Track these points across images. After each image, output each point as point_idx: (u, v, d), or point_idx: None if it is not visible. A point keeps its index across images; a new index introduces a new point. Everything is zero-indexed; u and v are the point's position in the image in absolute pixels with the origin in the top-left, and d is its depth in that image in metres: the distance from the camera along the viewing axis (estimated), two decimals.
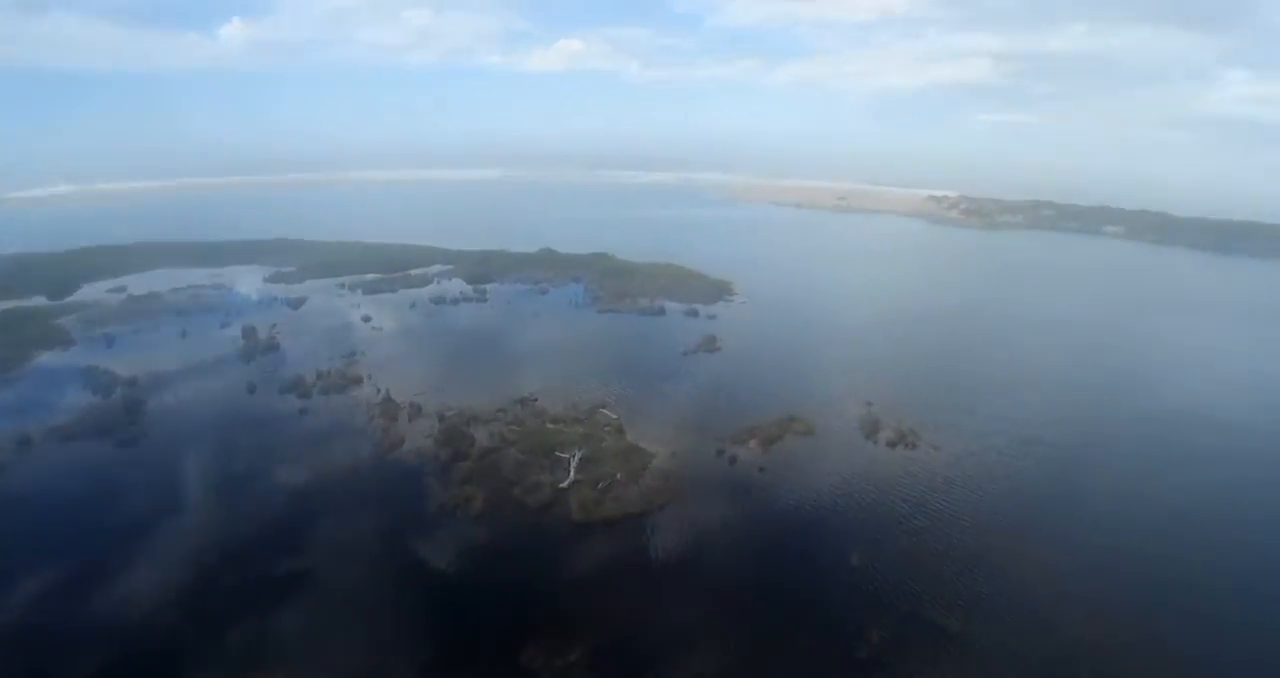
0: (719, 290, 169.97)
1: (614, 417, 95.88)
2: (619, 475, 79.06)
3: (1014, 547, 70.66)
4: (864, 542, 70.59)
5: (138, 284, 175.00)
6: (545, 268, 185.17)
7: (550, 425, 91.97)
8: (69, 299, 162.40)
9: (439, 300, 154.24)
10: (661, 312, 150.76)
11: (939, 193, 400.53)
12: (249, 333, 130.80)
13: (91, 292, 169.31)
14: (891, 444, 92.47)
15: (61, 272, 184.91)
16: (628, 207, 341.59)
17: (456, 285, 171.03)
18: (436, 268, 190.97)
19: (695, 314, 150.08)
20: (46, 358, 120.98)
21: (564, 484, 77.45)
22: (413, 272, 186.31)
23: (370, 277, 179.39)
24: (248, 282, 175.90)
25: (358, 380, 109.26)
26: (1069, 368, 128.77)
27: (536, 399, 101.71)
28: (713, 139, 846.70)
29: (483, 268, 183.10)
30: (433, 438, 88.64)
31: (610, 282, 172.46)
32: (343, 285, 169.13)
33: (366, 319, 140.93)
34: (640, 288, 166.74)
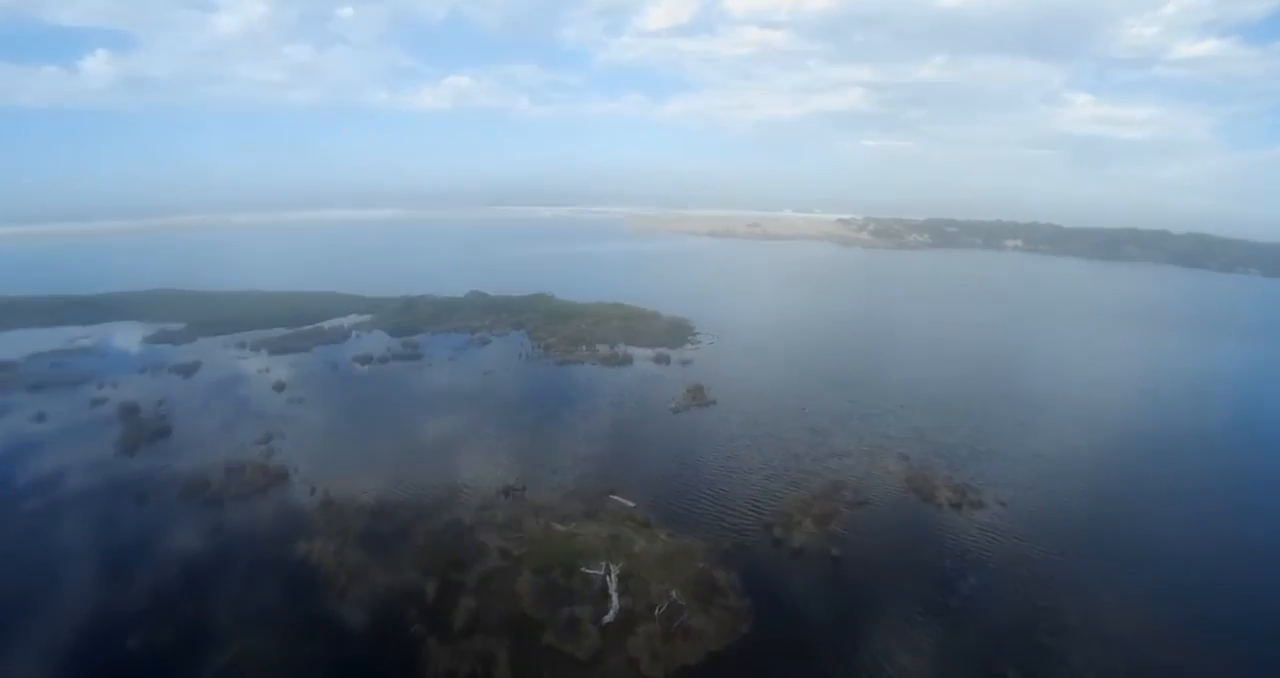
0: (679, 330, 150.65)
1: (630, 504, 74.31)
2: (674, 593, 57.04)
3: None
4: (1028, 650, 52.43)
5: None
6: (478, 314, 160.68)
7: (558, 527, 68.82)
8: None
9: (365, 359, 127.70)
10: (628, 360, 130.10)
11: (845, 216, 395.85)
12: (129, 412, 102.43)
13: None
14: (955, 506, 77.15)
15: None
16: (543, 243, 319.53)
17: (380, 339, 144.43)
18: (352, 319, 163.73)
19: (666, 360, 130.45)
20: None
21: (609, 618, 55.44)
22: (325, 324, 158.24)
23: (276, 332, 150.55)
24: (124, 343, 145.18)
25: (281, 476, 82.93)
26: (1076, 392, 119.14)
27: (524, 488, 78.32)
28: (608, 173, 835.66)
29: (407, 317, 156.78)
30: (408, 562, 63.80)
31: (557, 326, 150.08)
32: (243, 344, 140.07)
33: (280, 387, 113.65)
34: (593, 332, 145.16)
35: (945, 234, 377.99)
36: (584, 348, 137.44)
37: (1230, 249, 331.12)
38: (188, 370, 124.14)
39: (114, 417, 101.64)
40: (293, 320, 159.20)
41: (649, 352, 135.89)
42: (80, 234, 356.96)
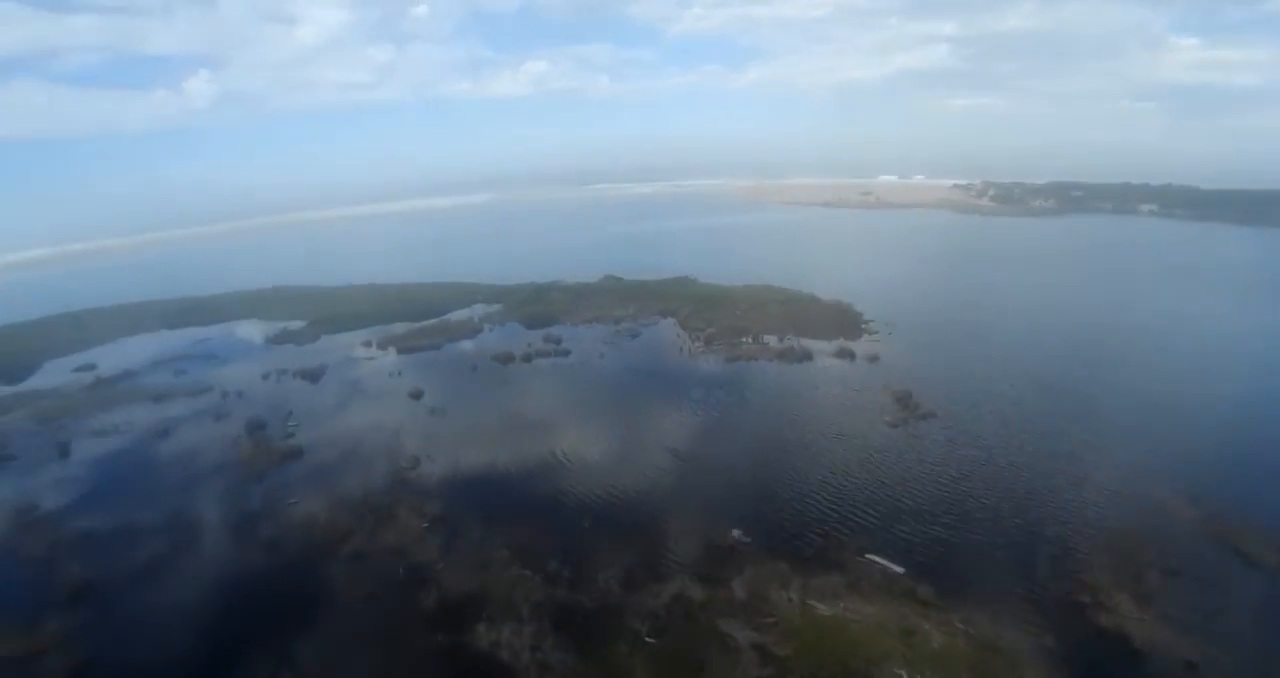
0: (845, 317, 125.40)
1: (898, 570, 53.43)
2: None
3: None
4: None
5: (110, 358, 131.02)
6: (617, 301, 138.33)
7: (820, 608, 46.53)
8: (26, 384, 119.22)
9: (505, 358, 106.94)
10: (807, 355, 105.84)
11: (960, 181, 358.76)
12: (255, 429, 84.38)
13: (54, 372, 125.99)
14: None
15: (23, 347, 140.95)
16: (650, 219, 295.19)
17: (515, 332, 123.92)
18: (479, 309, 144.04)
19: (849, 355, 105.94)
20: None
21: None
22: (451, 317, 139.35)
23: (399, 328, 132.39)
24: (245, 345, 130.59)
25: (439, 519, 62.47)
26: None
27: (749, 542, 56.89)
28: (692, 145, 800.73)
29: (539, 306, 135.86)
30: (636, 667, 43.76)
31: (708, 314, 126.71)
32: (368, 343, 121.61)
33: (416, 395, 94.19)
34: (751, 320, 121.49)
35: (1070, 198, 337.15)
36: (748, 340, 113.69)
37: None
38: (313, 375, 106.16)
39: (240, 434, 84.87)
40: (415, 314, 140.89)
41: (824, 345, 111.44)
42: (193, 238, 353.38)
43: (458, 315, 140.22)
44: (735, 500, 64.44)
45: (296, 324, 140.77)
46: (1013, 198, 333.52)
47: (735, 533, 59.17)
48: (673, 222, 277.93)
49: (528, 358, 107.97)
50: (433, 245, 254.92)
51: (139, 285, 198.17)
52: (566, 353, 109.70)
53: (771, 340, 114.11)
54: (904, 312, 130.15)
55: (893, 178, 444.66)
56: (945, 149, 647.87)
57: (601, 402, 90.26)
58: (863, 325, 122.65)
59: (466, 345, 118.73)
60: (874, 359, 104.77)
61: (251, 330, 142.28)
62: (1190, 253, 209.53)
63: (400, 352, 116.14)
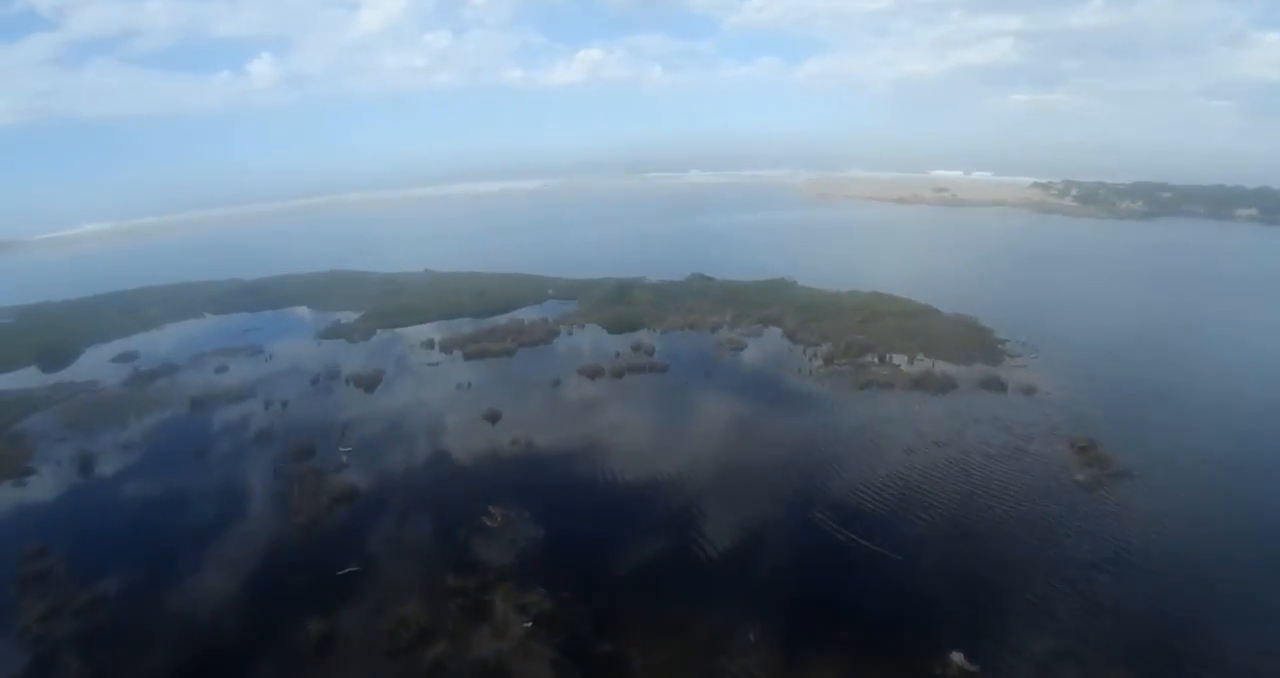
0: (976, 335, 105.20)
1: None
2: None
3: None
4: None
5: (153, 345, 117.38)
6: (709, 305, 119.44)
7: None
8: (62, 373, 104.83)
9: (593, 372, 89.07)
10: (950, 384, 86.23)
11: (1041, 180, 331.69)
12: (301, 457, 66.76)
13: (93, 360, 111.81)
14: None
15: (65, 331, 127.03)
16: (716, 211, 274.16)
17: (597, 338, 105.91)
18: (552, 307, 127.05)
19: (999, 386, 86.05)
20: None
21: None
22: (520, 315, 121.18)
23: (463, 324, 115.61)
24: (293, 340, 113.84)
25: (543, 614, 44.60)
26: None
27: (977, 671, 37.56)
28: (748, 137, 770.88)
29: (621, 308, 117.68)
30: None
31: (817, 325, 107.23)
32: (430, 343, 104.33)
33: (494, 418, 76.10)
34: (868, 335, 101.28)
35: (1159, 201, 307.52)
36: (874, 359, 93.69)
37: None
38: (368, 382, 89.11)
39: (283, 462, 66.55)
40: (481, 308, 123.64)
41: (964, 370, 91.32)
42: (248, 218, 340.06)
43: (528, 313, 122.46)
44: (943, 605, 45.36)
45: (350, 315, 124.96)
46: (1097, 199, 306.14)
47: (956, 657, 40.67)
48: (741, 215, 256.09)
49: (619, 373, 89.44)
50: (489, 232, 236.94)
51: (191, 266, 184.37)
52: (663, 368, 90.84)
53: (901, 362, 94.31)
54: (1038, 330, 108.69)
55: (957, 173, 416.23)
56: (1004, 143, 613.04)
57: (724, 441, 71.33)
58: (1000, 347, 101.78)
59: (544, 352, 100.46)
60: (1029, 391, 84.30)
61: (302, 320, 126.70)
62: None
63: (468, 357, 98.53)
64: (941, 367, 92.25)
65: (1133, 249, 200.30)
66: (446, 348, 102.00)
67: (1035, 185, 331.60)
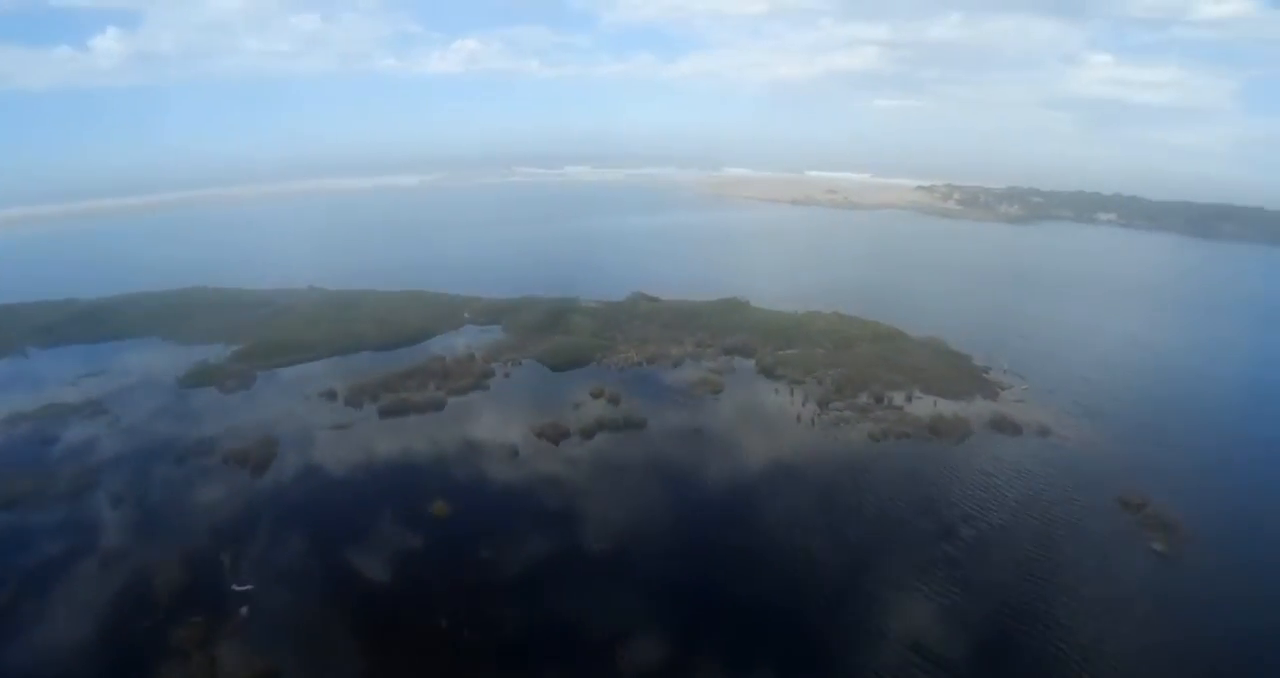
0: (959, 364, 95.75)
1: None
2: None
3: None
4: None
5: None
6: (661, 330, 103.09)
7: None
8: None
9: (551, 432, 69.38)
10: (965, 430, 74.84)
11: (924, 183, 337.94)
12: (177, 608, 46.95)
13: None
14: None
15: None
16: (614, 213, 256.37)
17: (540, 380, 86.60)
18: (472, 335, 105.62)
19: (1011, 428, 75.79)
20: None
21: None
22: (436, 345, 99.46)
23: (367, 361, 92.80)
24: (149, 389, 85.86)
25: None
26: None
27: None
28: (629, 133, 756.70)
29: (559, 336, 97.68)
30: None
31: (789, 355, 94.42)
32: (330, 393, 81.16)
33: (443, 523, 55.40)
34: (848, 366, 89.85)
35: (1031, 205, 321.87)
36: (869, 399, 79.94)
37: None
38: (259, 463, 65.14)
39: (148, 619, 43.35)
40: (385, 339, 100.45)
41: (964, 407, 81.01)
42: (84, 214, 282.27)
43: (445, 344, 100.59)
44: None
45: (220, 350, 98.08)
46: (979, 203, 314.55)
47: None
48: (647, 217, 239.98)
49: (587, 433, 70.40)
50: (374, 236, 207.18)
51: (8, 281, 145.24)
52: (640, 424, 72.54)
53: (898, 399, 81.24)
54: (1005, 351, 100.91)
55: (837, 174, 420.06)
56: (874, 147, 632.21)
57: (753, 541, 54.26)
58: (985, 376, 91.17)
59: (481, 403, 79.32)
60: (1044, 434, 74.40)
61: (157, 358, 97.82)
62: (1217, 272, 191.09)
63: (385, 413, 75.97)
64: (944, 406, 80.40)
65: (1046, 255, 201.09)
66: (354, 399, 78.70)
67: (919, 188, 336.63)
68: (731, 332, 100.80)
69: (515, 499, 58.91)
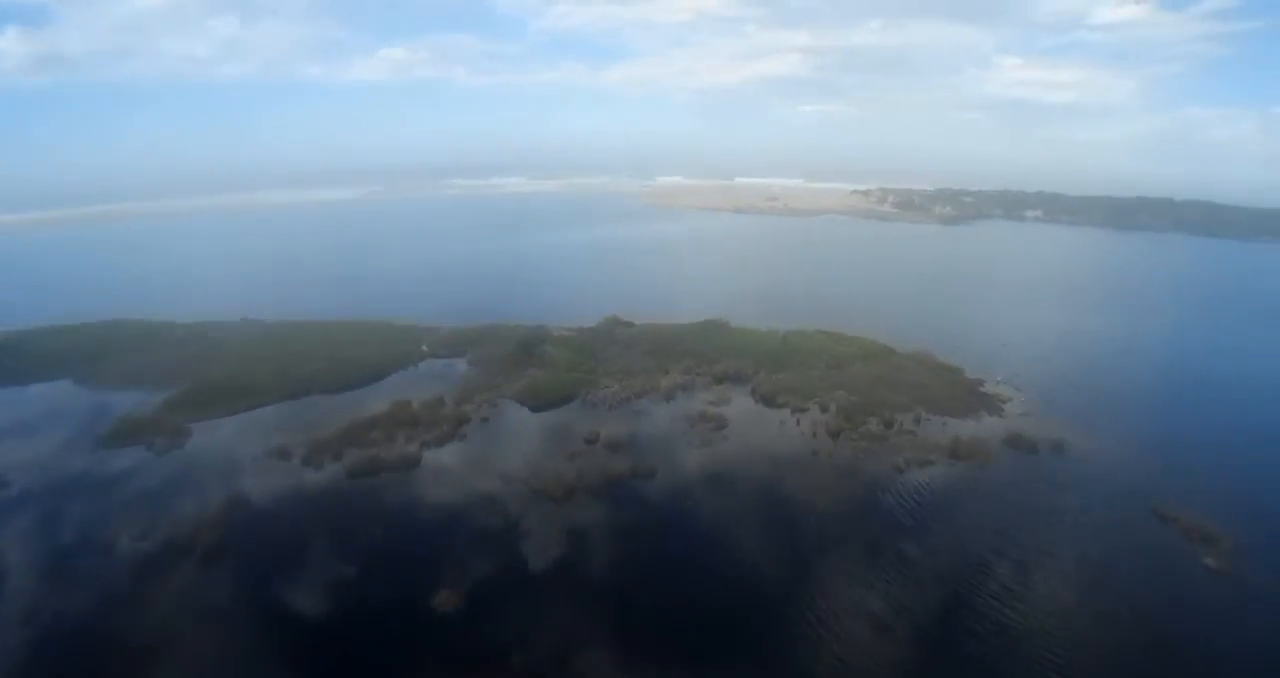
0: (952, 379, 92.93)
1: None
2: None
3: None
4: None
5: None
6: (643, 358, 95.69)
7: None
8: None
9: (555, 492, 60.31)
10: (982, 452, 71.17)
11: (860, 187, 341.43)
12: None
13: None
14: None
15: None
16: (561, 226, 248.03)
17: (520, 420, 78.36)
18: (430, 368, 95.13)
19: (1026, 446, 72.57)
20: None
21: None
22: (394, 384, 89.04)
23: (320, 405, 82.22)
24: (58, 448, 73.51)
25: None
26: None
27: None
28: (563, 143, 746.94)
29: (534, 370, 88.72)
30: None
31: (784, 379, 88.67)
32: (283, 452, 69.42)
33: (449, 621, 45.20)
34: (847, 389, 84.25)
35: (963, 205, 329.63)
36: (879, 425, 74.74)
37: (1233, 216, 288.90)
38: (207, 559, 53.86)
39: None
40: (337, 379, 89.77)
41: (975, 425, 78.25)
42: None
43: (405, 383, 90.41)
44: None
45: (147, 396, 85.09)
46: (913, 205, 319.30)
47: None
48: (590, 231, 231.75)
49: (594, 490, 61.89)
50: (309, 257, 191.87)
51: None
52: (649, 473, 64.60)
53: (907, 422, 76.33)
54: (998, 360, 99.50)
55: (770, 180, 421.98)
56: (802, 152, 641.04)
57: (845, 623, 46.50)
58: (983, 389, 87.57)
59: (461, 456, 69.77)
60: (1060, 449, 72.22)
61: (69, 410, 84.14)
62: (1153, 264, 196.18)
63: (352, 474, 65.50)
64: (955, 426, 76.67)
65: (985, 254, 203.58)
66: (314, 458, 68.03)
67: (855, 193, 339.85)
68: (718, 356, 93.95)
69: (532, 580, 50.11)
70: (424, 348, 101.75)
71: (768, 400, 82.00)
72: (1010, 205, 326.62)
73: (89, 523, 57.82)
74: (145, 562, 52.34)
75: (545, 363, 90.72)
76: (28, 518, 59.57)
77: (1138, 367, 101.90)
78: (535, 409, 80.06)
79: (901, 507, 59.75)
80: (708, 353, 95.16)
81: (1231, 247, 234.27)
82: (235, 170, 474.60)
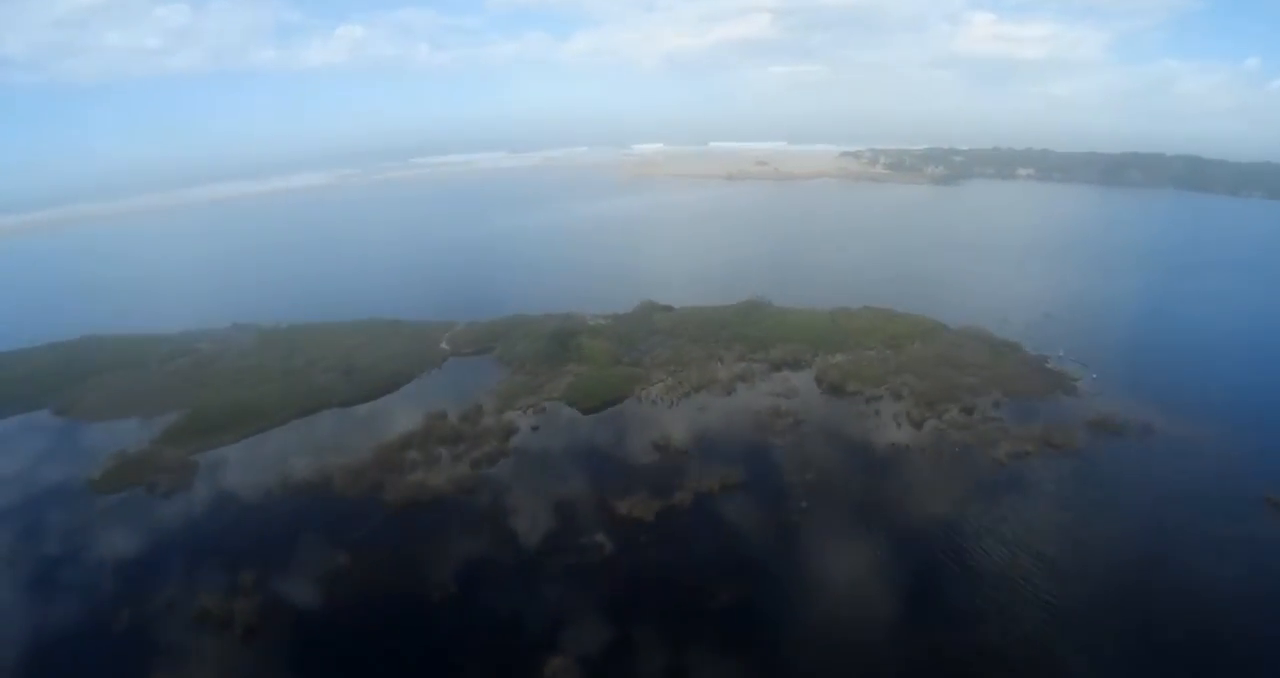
0: (1015, 356, 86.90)
1: None
2: None
3: None
4: None
5: None
6: (687, 345, 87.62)
7: None
8: None
9: (646, 511, 52.16)
10: (1072, 440, 65.10)
11: (848, 149, 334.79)
12: None
13: None
14: None
15: None
16: (545, 203, 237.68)
17: (572, 425, 71.02)
18: (455, 369, 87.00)
19: (1114, 429, 67.45)
20: None
21: None
22: (417, 391, 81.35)
23: (335, 422, 74.55)
24: (40, 501, 65.59)
25: None
26: None
27: None
28: (532, 116, 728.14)
29: (573, 365, 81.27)
30: None
31: (844, 362, 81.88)
32: (312, 486, 61.44)
33: None
34: (913, 373, 78.75)
35: (954, 164, 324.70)
36: (958, 411, 68.87)
37: (1222, 171, 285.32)
38: (249, 636, 45.99)
39: None
40: (354, 390, 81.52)
41: (1054, 407, 72.75)
42: None
43: (432, 388, 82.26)
44: None
45: (138, 426, 76.30)
46: (905, 165, 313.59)
47: None
48: (584, 205, 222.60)
49: (685, 512, 54.62)
50: (285, 249, 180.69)
51: None
52: (739, 485, 57.83)
53: (986, 408, 70.12)
54: (1051, 334, 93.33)
55: (749, 144, 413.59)
56: (776, 114, 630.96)
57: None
58: (1050, 367, 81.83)
59: (520, 477, 62.11)
60: (1148, 433, 66.70)
61: (52, 448, 75.00)
62: (1168, 224, 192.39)
63: (397, 509, 57.63)
64: (1035, 410, 71.46)
65: (991, 215, 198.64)
66: (347, 492, 60.04)
67: (845, 154, 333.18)
68: (767, 341, 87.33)
69: (671, 640, 42.71)
70: (444, 346, 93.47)
71: (836, 390, 75.67)
72: (1001, 164, 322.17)
73: (93, 598, 49.06)
74: (170, 647, 43.94)
75: (584, 357, 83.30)
76: (14, 596, 50.54)
77: (1191, 335, 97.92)
78: (586, 411, 72.89)
79: (1033, 507, 54.07)
80: (756, 337, 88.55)
81: (1228, 203, 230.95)
82: (195, 164, 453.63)
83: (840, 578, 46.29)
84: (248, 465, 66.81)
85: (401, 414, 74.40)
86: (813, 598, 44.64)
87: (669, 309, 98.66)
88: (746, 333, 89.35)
